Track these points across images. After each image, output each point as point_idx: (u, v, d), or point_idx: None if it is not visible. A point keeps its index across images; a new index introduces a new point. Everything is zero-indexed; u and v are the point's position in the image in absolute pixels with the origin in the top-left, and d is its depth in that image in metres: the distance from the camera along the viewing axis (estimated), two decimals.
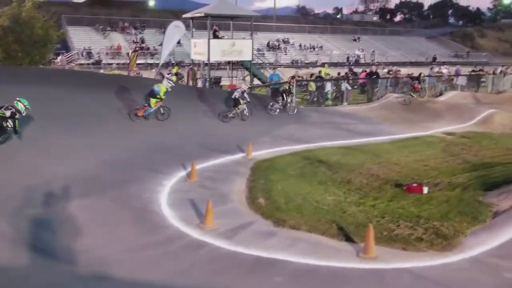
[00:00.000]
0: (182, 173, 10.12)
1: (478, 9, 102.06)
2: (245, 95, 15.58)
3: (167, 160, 10.75)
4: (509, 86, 26.74)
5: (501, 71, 27.65)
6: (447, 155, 12.93)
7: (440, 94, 23.63)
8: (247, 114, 15.61)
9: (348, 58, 47.92)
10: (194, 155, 11.01)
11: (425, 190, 9.48)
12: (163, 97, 13.74)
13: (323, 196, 9.16)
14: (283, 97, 17.42)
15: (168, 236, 7.05)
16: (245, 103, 15.55)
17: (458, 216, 7.90)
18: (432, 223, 7.61)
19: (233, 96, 15.64)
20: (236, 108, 15.38)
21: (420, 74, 23.59)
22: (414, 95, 21.49)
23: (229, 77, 25.95)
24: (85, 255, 6.27)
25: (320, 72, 24.72)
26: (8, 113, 9.78)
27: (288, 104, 17.30)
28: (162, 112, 13.82)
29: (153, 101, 13.55)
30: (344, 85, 21.40)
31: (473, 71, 29.08)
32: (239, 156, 11.87)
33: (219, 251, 6.56)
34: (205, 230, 7.16)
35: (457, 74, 27.44)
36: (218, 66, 27.72)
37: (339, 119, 16.93)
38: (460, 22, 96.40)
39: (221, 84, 24.76)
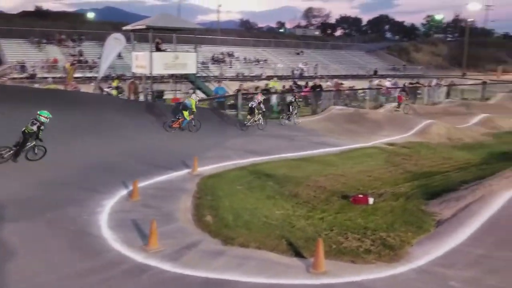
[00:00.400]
0: (123, 192, 9.63)
1: (412, 24, 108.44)
2: (261, 105, 17.30)
3: (108, 179, 10.23)
4: (443, 98, 28.20)
5: (435, 83, 29.14)
6: (390, 165, 13.26)
7: (381, 106, 24.46)
8: (263, 123, 17.18)
9: (293, 71, 48.75)
10: (136, 172, 10.55)
11: (371, 201, 9.64)
12: (194, 109, 15.50)
13: (271, 210, 9.05)
14: (289, 109, 18.88)
15: (109, 260, 6.59)
16: (261, 113, 17.18)
17: (403, 226, 8.05)
18: (379, 234, 7.70)
19: (249, 105, 17.33)
20: (253, 117, 17.02)
21: (404, 85, 25.00)
22: (399, 109, 22.62)
23: (172, 90, 25.45)
24: (19, 285, 5.79)
25: (267, 85, 24.95)
26: (34, 128, 10.97)
27: (295, 116, 19.05)
28: (193, 124, 15.26)
29: (186, 113, 15.31)
30: (289, 98, 21.55)
31: (410, 83, 30.44)
32: (184, 172, 11.51)
33: (165, 274, 6.21)
34: (149, 253, 6.78)
35: (395, 87, 28.56)
36: (161, 79, 27.17)
37: (285, 132, 16.98)
38: (397, 37, 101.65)
39: (164, 97, 24.20)
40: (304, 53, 58.03)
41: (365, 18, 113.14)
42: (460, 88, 31.39)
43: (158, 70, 23.01)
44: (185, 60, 23.69)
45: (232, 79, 40.60)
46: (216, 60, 47.51)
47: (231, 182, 10.87)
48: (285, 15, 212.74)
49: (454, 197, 9.21)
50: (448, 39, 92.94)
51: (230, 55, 50.38)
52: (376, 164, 13.34)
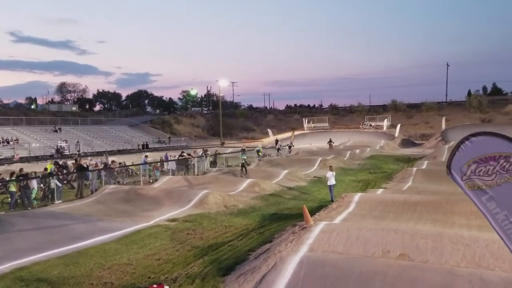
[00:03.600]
0: None
1: (170, 99, 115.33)
2: (280, 145, 40.36)
3: None
4: (211, 167, 29.81)
5: (202, 154, 30.67)
6: (176, 243, 12.69)
7: (156, 180, 24.09)
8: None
9: (58, 150, 44.63)
10: None
11: None
12: (261, 150, 32.81)
13: None
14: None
15: None
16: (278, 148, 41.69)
17: None
18: None
19: (277, 147, 39.44)
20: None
21: (330, 139, 45.16)
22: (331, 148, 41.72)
23: None
24: None
25: (45, 168, 21.95)
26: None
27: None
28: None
29: (260, 153, 32.30)
30: (54, 182, 19.11)
31: (180, 155, 31.23)
32: None
33: None
34: None
35: (166, 160, 28.85)
36: None
37: (53, 222, 14.62)
38: (157, 111, 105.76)
39: None
40: (63, 130, 54.36)
41: (124, 93, 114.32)
42: (224, 156, 33.87)
43: None
44: None
45: None
46: None
47: None
48: (34, 91, 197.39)
49: (248, 269, 9.19)
50: (204, 111, 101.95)
51: None
52: (162, 245, 12.56)
